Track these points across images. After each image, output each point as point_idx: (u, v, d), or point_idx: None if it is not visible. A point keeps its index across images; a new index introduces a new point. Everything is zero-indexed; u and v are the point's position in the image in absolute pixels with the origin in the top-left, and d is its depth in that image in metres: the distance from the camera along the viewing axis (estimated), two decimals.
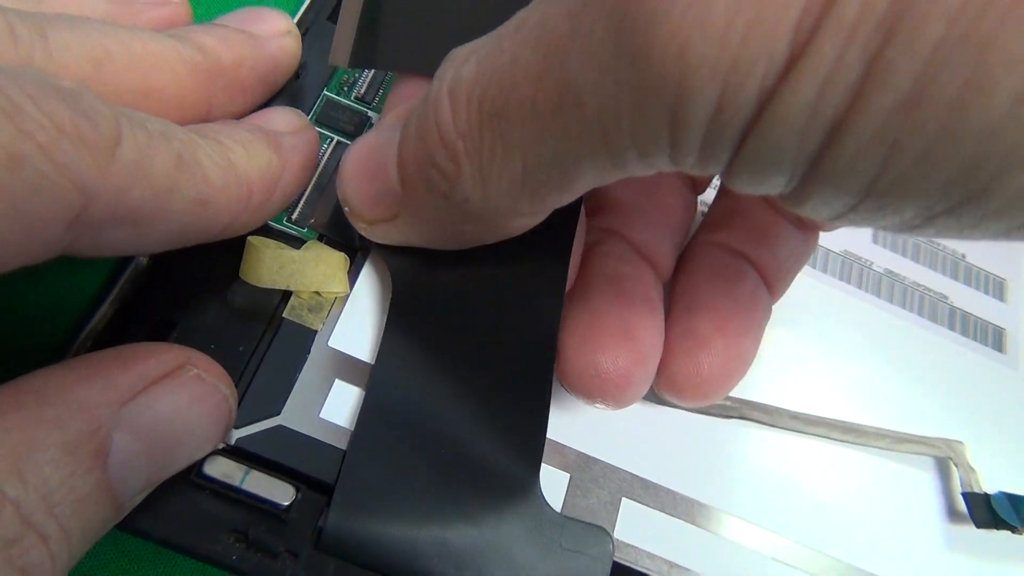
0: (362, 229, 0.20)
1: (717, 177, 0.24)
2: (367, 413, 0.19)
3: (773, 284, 0.23)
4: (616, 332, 0.20)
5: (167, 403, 0.16)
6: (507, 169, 0.15)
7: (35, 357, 0.20)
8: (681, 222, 0.23)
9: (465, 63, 0.16)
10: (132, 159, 0.15)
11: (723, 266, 0.22)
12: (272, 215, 0.20)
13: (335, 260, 0.21)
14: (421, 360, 0.20)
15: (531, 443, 0.19)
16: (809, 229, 0.23)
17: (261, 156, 0.19)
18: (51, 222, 0.14)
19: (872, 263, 0.27)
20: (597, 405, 0.20)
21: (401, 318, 0.20)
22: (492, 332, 0.20)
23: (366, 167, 0.19)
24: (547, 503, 0.19)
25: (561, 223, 0.20)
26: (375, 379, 0.20)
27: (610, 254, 0.22)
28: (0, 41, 0.15)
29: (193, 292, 0.20)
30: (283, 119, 0.20)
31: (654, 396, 0.23)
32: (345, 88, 0.24)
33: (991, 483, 0.23)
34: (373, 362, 0.20)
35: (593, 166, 0.15)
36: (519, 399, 0.20)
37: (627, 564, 0.20)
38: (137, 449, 0.15)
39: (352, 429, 0.19)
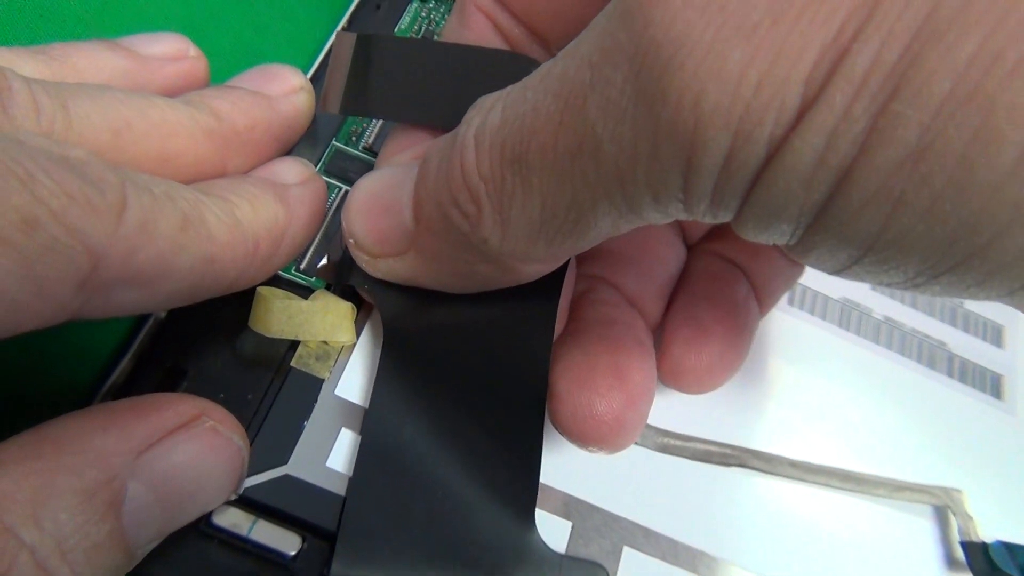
0: (364, 263, 0.20)
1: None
2: (363, 459, 0.20)
3: (761, 297, 0.23)
4: (609, 373, 0.20)
5: (182, 454, 0.16)
6: (526, 213, 0.16)
7: (59, 408, 0.20)
8: (671, 272, 0.24)
9: (492, 110, 0.16)
10: (138, 222, 0.15)
11: (720, 270, 0.23)
12: (280, 267, 0.20)
13: (342, 310, 0.21)
14: (413, 404, 0.20)
15: (525, 485, 0.20)
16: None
17: (267, 210, 0.19)
18: (62, 283, 0.14)
19: (871, 310, 0.28)
20: (591, 449, 0.20)
21: (392, 361, 0.21)
22: (482, 375, 0.20)
23: (377, 202, 0.19)
24: (544, 543, 0.19)
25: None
26: (369, 424, 0.20)
27: (601, 301, 0.22)
28: (24, 111, 0.15)
29: (204, 341, 0.21)
30: (290, 170, 0.21)
31: (653, 444, 0.23)
32: (354, 138, 0.25)
33: (989, 531, 0.24)
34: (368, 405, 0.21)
35: (609, 212, 0.15)
36: (512, 441, 0.20)
37: None
38: (151, 499, 0.16)
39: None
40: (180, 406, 0.17)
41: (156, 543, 0.17)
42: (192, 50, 0.21)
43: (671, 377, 0.22)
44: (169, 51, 0.21)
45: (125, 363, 0.20)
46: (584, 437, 0.20)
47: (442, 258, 0.19)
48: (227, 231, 0.18)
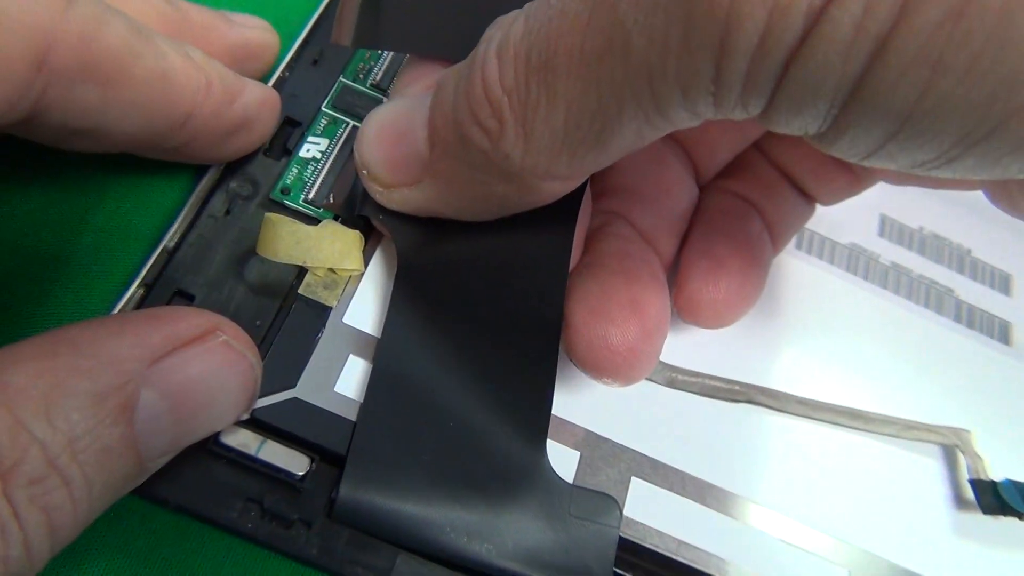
0: (378, 195, 0.20)
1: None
2: (375, 385, 0.20)
3: (775, 234, 0.24)
4: (625, 305, 0.20)
5: (196, 366, 0.16)
6: (550, 124, 0.16)
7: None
8: (683, 210, 0.24)
9: (513, 23, 0.16)
10: (87, 14, 0.17)
11: (734, 207, 0.23)
12: (232, 130, 0.21)
13: (350, 238, 0.21)
14: (427, 333, 0.20)
15: (537, 413, 0.20)
16: (807, 198, 0.24)
17: (219, 65, 0.20)
18: (19, 60, 0.16)
19: (879, 256, 0.27)
20: (604, 381, 0.20)
21: (406, 291, 0.21)
22: (497, 306, 0.20)
23: (390, 131, 0.19)
24: (555, 473, 0.19)
25: (566, 200, 0.20)
26: (382, 351, 0.20)
27: (616, 235, 0.22)
28: None
29: (211, 269, 0.21)
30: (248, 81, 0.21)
31: (662, 378, 0.23)
32: (361, 75, 0.25)
33: (997, 471, 0.23)
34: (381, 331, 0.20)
35: (635, 117, 0.15)
36: (525, 371, 0.20)
37: (636, 541, 0.20)
38: (163, 408, 0.16)
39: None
40: (195, 319, 0.17)
41: (168, 457, 0.17)
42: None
43: (688, 310, 0.22)
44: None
45: (133, 290, 0.20)
46: (598, 368, 0.20)
47: (459, 182, 0.19)
48: (180, 57, 0.19)
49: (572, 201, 0.21)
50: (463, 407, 0.19)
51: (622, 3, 0.14)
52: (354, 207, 0.22)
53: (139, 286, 0.20)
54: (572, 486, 0.20)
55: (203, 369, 0.16)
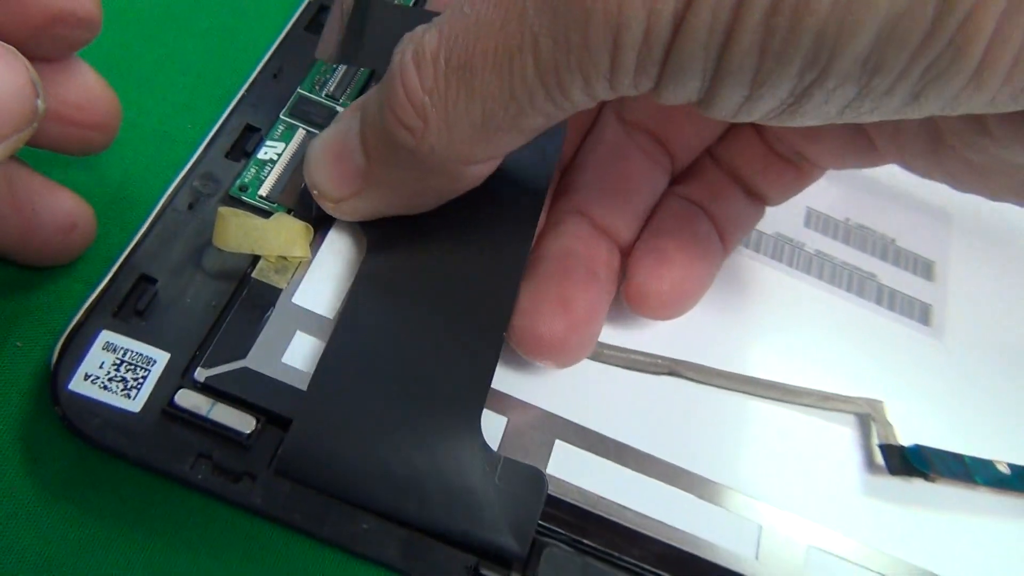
0: (331, 210, 0.23)
1: None
2: (330, 355, 0.22)
3: (724, 236, 0.26)
4: (553, 301, 0.23)
5: None
6: (469, 116, 0.18)
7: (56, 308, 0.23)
8: (647, 201, 0.26)
9: (425, 35, 0.19)
10: None
11: (683, 209, 0.26)
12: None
13: (297, 228, 0.23)
14: (385, 313, 0.22)
15: (477, 387, 0.22)
16: (756, 199, 0.26)
17: None
18: None
19: (804, 244, 0.29)
20: (542, 363, 0.23)
21: (371, 274, 0.23)
22: (456, 293, 0.23)
23: (330, 152, 0.22)
24: (486, 443, 0.21)
25: (527, 204, 0.24)
26: (339, 325, 0.22)
27: (563, 233, 0.24)
28: None
29: (174, 256, 0.23)
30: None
31: (592, 353, 0.25)
32: (317, 87, 0.27)
33: (907, 438, 0.25)
34: (338, 311, 0.23)
35: (544, 103, 0.18)
36: (472, 351, 0.22)
37: (558, 496, 0.22)
38: None
39: (310, 373, 0.22)
40: None
41: None
42: None
43: (636, 302, 0.24)
44: None
45: (110, 275, 0.22)
46: (531, 353, 0.23)
47: (395, 183, 0.21)
48: None
49: (534, 204, 0.24)
50: (411, 377, 0.21)
51: (529, 12, 0.17)
52: (304, 202, 0.24)
53: (115, 271, 0.23)
54: (501, 456, 0.21)
55: None
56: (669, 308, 0.25)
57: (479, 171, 0.21)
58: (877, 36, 0.14)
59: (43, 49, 0.20)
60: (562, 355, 0.23)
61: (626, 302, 0.24)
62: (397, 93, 0.19)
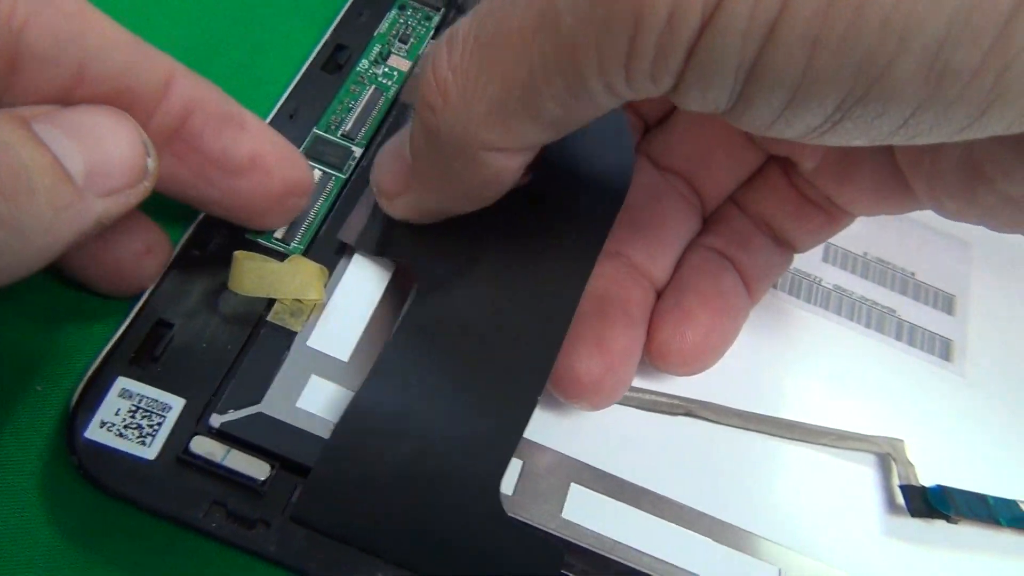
0: (386, 207, 0.23)
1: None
2: (360, 401, 0.21)
3: (750, 285, 0.26)
4: (590, 342, 0.23)
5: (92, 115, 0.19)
6: (487, 93, 0.18)
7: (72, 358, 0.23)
8: (681, 240, 0.26)
9: (463, 19, 0.19)
10: None
11: (708, 261, 0.25)
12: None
13: (312, 271, 0.23)
14: (424, 364, 0.22)
15: (502, 451, 0.21)
16: (784, 246, 0.26)
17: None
18: None
19: (822, 279, 0.29)
20: (575, 405, 0.23)
21: (414, 321, 0.23)
22: (497, 349, 0.22)
23: (389, 153, 0.23)
24: (505, 511, 0.21)
25: (583, 250, 0.23)
26: (376, 372, 0.22)
27: (599, 275, 0.24)
28: None
29: (189, 300, 0.23)
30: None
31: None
32: (333, 127, 0.27)
33: (928, 478, 0.25)
34: (377, 358, 0.22)
35: (559, 88, 0.17)
36: (503, 413, 0.22)
37: (573, 541, 0.22)
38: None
39: (324, 418, 0.22)
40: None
41: (111, 203, 0.19)
42: None
43: (658, 359, 0.24)
44: None
45: (128, 320, 0.23)
46: (567, 394, 0.23)
47: (431, 174, 0.21)
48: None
49: (588, 257, 0.23)
50: (436, 434, 0.21)
51: None
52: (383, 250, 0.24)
53: (133, 317, 0.23)
54: (520, 524, 0.22)
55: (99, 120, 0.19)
56: (691, 365, 0.24)
57: (501, 163, 0.20)
58: (948, 28, 0.13)
59: (269, 221, 0.24)
60: (598, 396, 0.23)
61: (648, 359, 0.24)
62: (426, 72, 0.19)
